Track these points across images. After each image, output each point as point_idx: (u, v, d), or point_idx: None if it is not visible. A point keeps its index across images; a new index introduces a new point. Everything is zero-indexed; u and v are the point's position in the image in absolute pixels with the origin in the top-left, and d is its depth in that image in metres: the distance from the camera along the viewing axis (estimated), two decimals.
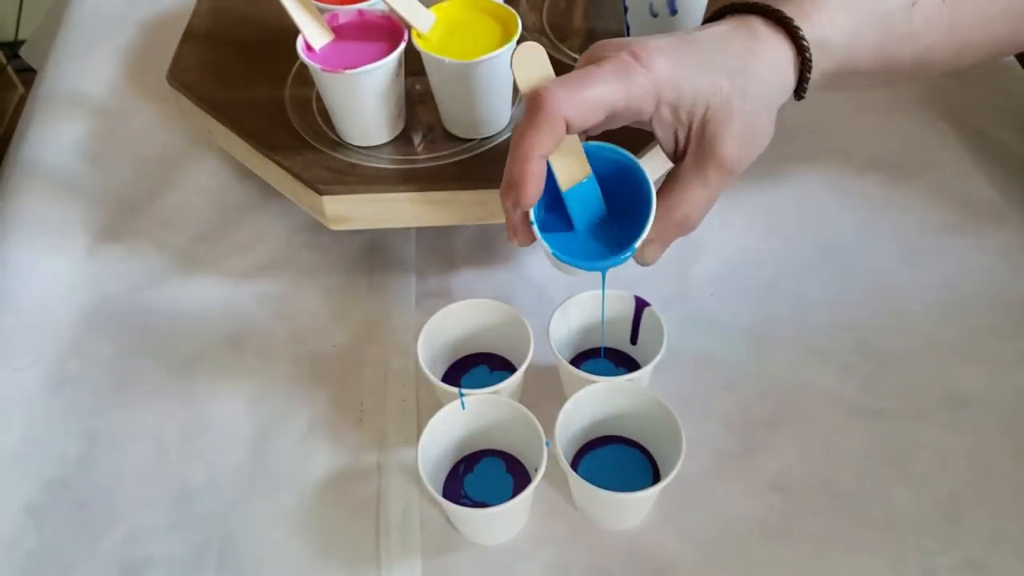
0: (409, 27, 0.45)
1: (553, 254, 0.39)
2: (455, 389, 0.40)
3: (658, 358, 0.42)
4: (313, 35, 0.45)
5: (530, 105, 0.36)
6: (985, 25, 0.43)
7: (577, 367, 0.42)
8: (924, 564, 0.39)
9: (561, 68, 0.52)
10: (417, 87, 0.50)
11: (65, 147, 0.60)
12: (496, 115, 0.48)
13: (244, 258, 0.53)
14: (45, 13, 0.83)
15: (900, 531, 0.40)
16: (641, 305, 0.44)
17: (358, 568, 0.40)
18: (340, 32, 0.46)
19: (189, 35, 0.57)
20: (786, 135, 0.58)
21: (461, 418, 0.41)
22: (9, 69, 1.47)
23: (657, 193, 0.39)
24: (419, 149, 0.48)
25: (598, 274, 0.41)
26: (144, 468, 0.44)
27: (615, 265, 0.40)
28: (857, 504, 0.41)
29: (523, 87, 0.38)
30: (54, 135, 0.61)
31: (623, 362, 0.46)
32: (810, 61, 0.39)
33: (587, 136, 0.40)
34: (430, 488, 0.38)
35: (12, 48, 1.38)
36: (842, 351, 0.47)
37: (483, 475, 0.42)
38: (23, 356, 0.49)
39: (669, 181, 0.40)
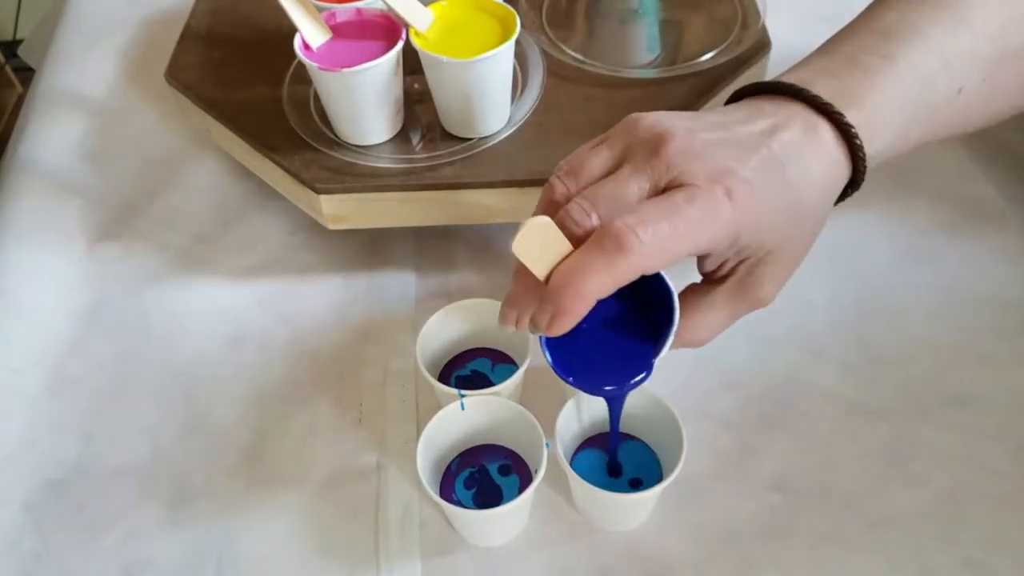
0: (407, 25, 0.45)
1: (552, 367, 0.35)
2: (455, 390, 0.40)
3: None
4: (311, 34, 0.45)
5: (609, 240, 0.31)
6: (1018, 88, 0.40)
7: None
8: (923, 564, 0.39)
9: (561, 66, 0.52)
10: (416, 86, 0.50)
11: (64, 147, 0.60)
12: (495, 114, 0.48)
13: (244, 258, 0.53)
14: (43, 12, 0.83)
15: (899, 531, 0.40)
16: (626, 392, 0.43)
17: (357, 568, 0.40)
18: (338, 31, 0.46)
19: (187, 34, 0.57)
20: None
21: (461, 419, 0.41)
22: (7, 68, 1.46)
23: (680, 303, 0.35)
24: (417, 148, 0.48)
25: None
26: (144, 468, 0.44)
27: (623, 392, 0.35)
28: (857, 504, 0.41)
29: (539, 271, 0.32)
30: (53, 135, 0.61)
31: None
32: (859, 184, 0.36)
33: None
34: (429, 489, 0.38)
35: (10, 47, 1.38)
36: (842, 351, 0.47)
37: (483, 476, 0.42)
38: (23, 356, 0.49)
39: (694, 301, 0.36)
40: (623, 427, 0.43)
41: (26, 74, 1.35)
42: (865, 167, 0.36)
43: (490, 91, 0.46)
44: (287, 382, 0.47)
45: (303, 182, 0.47)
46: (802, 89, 0.36)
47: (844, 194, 0.38)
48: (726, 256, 0.35)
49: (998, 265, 0.50)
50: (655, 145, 0.33)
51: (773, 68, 0.54)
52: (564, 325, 0.32)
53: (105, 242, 0.54)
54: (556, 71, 0.52)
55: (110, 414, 0.46)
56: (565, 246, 0.32)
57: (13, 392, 0.47)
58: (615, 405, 0.38)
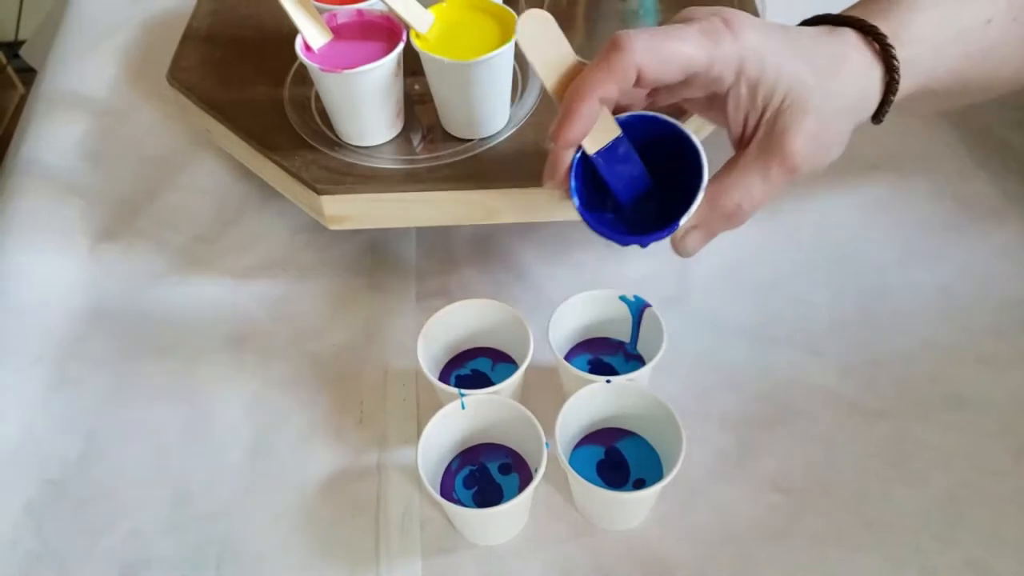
0: (408, 27, 0.45)
1: (578, 211, 0.37)
2: (455, 389, 0.40)
3: (658, 358, 0.42)
4: (312, 35, 0.45)
5: (610, 44, 0.35)
6: None
7: (574, 359, 0.42)
8: (924, 564, 0.39)
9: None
10: (416, 87, 0.50)
11: (65, 147, 0.60)
12: (495, 115, 0.48)
13: (244, 258, 0.53)
14: (45, 13, 0.83)
15: (900, 531, 0.40)
16: (642, 306, 0.44)
17: (358, 568, 0.40)
18: (339, 32, 0.46)
19: (189, 35, 0.57)
20: None
21: (461, 418, 0.41)
22: (9, 69, 1.47)
23: (711, 178, 0.37)
24: (418, 149, 0.48)
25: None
26: (144, 468, 0.44)
27: (646, 243, 0.37)
28: (857, 504, 0.41)
29: (538, 67, 0.35)
30: (54, 135, 0.61)
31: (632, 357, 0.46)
32: (897, 82, 0.38)
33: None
34: (429, 488, 0.38)
35: (12, 48, 1.38)
36: (842, 351, 0.47)
37: (483, 475, 0.42)
38: (23, 356, 0.49)
39: (726, 167, 0.38)
40: (626, 426, 0.43)
41: (28, 75, 1.35)
42: (897, 67, 0.38)
43: (490, 92, 0.46)
44: (287, 382, 0.47)
45: (304, 182, 0.47)
46: (821, 15, 0.39)
47: (886, 102, 0.39)
48: (742, 99, 0.37)
49: (998, 265, 0.50)
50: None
51: None
52: (568, 125, 0.35)
53: (106, 242, 0.54)
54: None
55: (110, 414, 0.46)
56: (567, 50, 0.36)
57: (13, 392, 0.47)
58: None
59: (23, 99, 1.43)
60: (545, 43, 0.35)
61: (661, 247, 0.38)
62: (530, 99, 0.50)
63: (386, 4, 0.44)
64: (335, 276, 0.52)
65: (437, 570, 0.40)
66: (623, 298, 0.44)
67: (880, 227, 0.52)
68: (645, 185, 0.38)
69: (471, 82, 0.45)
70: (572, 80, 0.36)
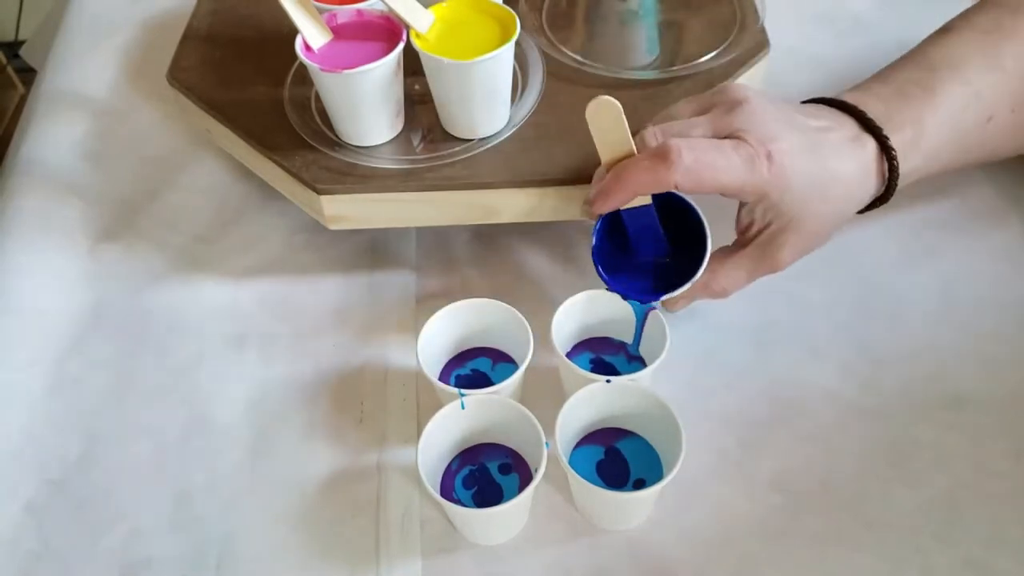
0: (408, 27, 0.45)
1: (592, 255, 0.44)
2: (455, 389, 0.40)
3: (660, 359, 0.42)
4: (312, 35, 0.45)
5: (659, 152, 0.39)
6: None
7: (577, 357, 0.42)
8: (924, 564, 0.39)
9: (561, 68, 0.52)
10: (416, 87, 0.50)
11: (65, 147, 0.60)
12: (495, 115, 0.48)
13: (244, 258, 0.53)
14: (45, 13, 0.83)
15: (900, 531, 0.40)
16: (647, 307, 0.44)
17: (358, 568, 0.40)
18: (339, 32, 0.46)
19: (189, 35, 0.57)
20: None
21: (461, 418, 0.41)
22: (9, 69, 1.47)
23: (711, 256, 0.43)
24: (418, 149, 0.48)
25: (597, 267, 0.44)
26: (144, 468, 0.44)
27: (625, 297, 0.43)
28: (857, 504, 0.41)
29: (600, 149, 0.41)
30: (54, 135, 0.61)
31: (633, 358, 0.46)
32: (889, 197, 0.43)
33: None
34: (430, 488, 0.38)
35: (12, 48, 1.38)
36: (842, 351, 0.47)
37: (483, 475, 0.42)
38: (23, 356, 0.49)
39: (723, 255, 0.43)
40: (626, 426, 0.43)
41: (28, 75, 1.35)
42: (897, 184, 0.42)
43: (490, 92, 0.46)
44: (287, 382, 0.47)
45: (304, 182, 0.47)
46: (856, 107, 0.43)
47: (872, 205, 0.44)
48: (754, 213, 0.42)
49: (998, 265, 0.50)
50: (732, 105, 0.41)
51: (772, 69, 0.54)
52: (603, 202, 0.41)
53: (106, 242, 0.54)
54: (556, 72, 0.52)
55: (110, 414, 0.46)
56: (626, 136, 0.40)
57: (13, 392, 0.47)
58: (639, 315, 0.45)
59: (23, 99, 1.43)
60: (608, 125, 0.40)
61: None
62: (530, 99, 0.50)
63: (386, 4, 0.44)
64: (335, 276, 0.52)
65: (437, 570, 0.40)
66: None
67: (880, 227, 0.52)
68: (661, 249, 0.44)
69: (471, 82, 0.45)
70: (620, 161, 0.41)
